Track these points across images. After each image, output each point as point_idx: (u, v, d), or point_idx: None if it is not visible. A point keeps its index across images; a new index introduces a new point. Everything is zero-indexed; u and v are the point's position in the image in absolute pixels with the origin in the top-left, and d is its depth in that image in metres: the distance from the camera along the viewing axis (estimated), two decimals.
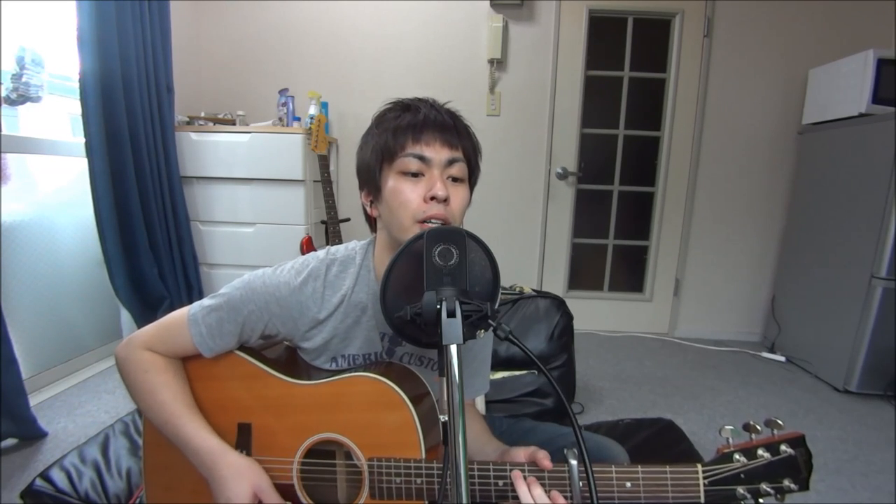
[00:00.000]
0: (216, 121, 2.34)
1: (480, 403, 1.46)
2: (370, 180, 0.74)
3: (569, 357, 1.70)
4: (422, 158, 0.69)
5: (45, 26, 1.92)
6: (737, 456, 0.62)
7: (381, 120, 0.74)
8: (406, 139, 0.69)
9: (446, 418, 0.50)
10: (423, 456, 0.68)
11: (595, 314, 2.82)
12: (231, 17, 2.61)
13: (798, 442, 0.62)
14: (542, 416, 1.56)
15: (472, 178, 0.76)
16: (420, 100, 0.74)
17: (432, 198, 0.68)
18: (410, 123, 0.69)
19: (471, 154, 0.74)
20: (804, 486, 0.61)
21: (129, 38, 1.87)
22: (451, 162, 0.70)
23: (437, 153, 0.69)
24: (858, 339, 2.00)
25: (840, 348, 2.07)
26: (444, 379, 0.51)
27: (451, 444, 0.49)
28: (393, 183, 0.70)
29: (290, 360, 0.81)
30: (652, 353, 2.49)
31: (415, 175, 0.69)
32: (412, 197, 0.69)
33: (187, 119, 2.31)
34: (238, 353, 0.76)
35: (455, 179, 0.72)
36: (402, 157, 0.69)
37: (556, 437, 0.88)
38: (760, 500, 0.62)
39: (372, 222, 0.80)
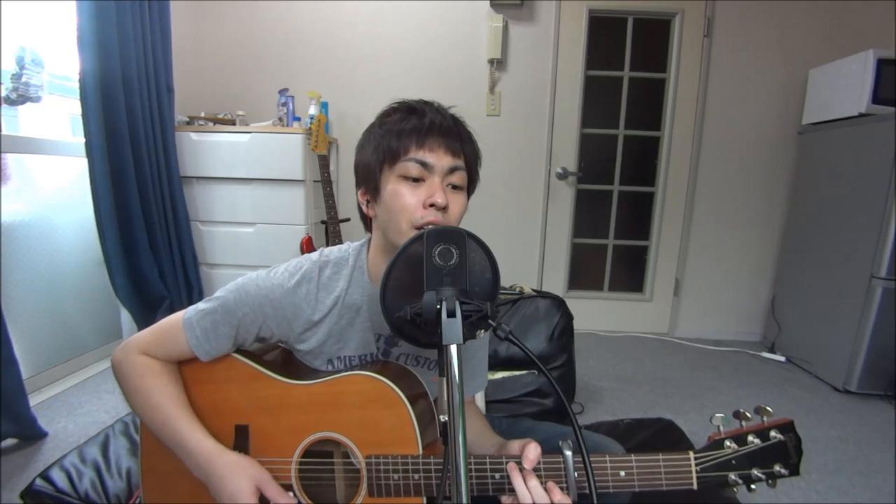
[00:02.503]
0: (216, 121, 2.34)
1: (481, 402, 1.46)
2: (369, 180, 0.74)
3: (569, 357, 1.70)
4: (424, 164, 0.69)
5: (45, 26, 1.92)
6: (728, 443, 0.63)
7: (384, 120, 0.73)
8: (410, 143, 0.69)
9: (445, 418, 0.50)
10: (421, 452, 0.68)
11: (595, 314, 2.82)
12: (231, 17, 2.61)
13: (787, 428, 0.63)
14: (542, 416, 1.56)
15: (471, 186, 0.76)
16: (426, 103, 0.73)
17: (431, 205, 0.68)
18: (415, 127, 0.69)
19: (472, 162, 0.75)
20: (794, 470, 0.62)
21: (129, 38, 1.87)
22: (452, 170, 0.70)
23: (440, 160, 0.69)
24: (858, 339, 2.00)
25: (840, 348, 2.07)
26: (444, 379, 0.51)
27: (450, 444, 0.49)
28: (393, 186, 0.70)
29: (287, 362, 0.81)
30: (652, 353, 2.49)
31: (416, 180, 0.69)
32: (411, 202, 0.69)
33: (187, 119, 2.31)
34: (234, 355, 0.76)
35: (455, 187, 0.72)
36: (405, 160, 0.69)
37: (556, 437, 0.88)
38: (752, 486, 0.63)
39: (367, 221, 0.80)
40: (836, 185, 2.19)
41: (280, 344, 0.85)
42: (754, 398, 1.99)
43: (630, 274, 2.86)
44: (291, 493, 0.72)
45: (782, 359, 2.42)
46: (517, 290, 1.79)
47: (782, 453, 0.62)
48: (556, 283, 2.81)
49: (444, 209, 0.68)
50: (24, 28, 1.80)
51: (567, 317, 1.70)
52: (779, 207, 2.64)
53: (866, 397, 2.00)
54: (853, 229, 2.05)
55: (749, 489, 0.63)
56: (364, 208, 0.78)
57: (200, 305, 0.75)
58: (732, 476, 0.62)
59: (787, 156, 2.59)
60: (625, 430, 1.54)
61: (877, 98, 1.98)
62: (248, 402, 0.74)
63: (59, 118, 2.24)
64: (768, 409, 0.63)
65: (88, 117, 1.75)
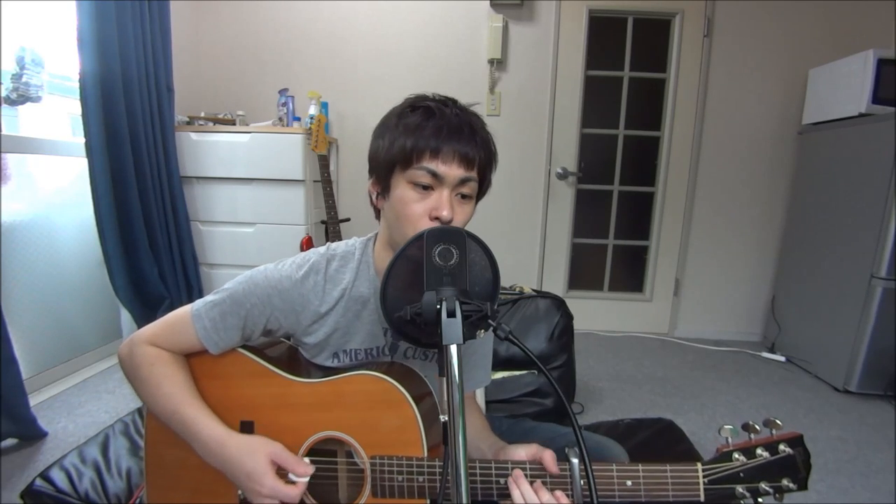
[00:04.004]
0: (216, 121, 2.34)
1: (481, 401, 1.46)
2: (381, 175, 0.73)
3: (569, 357, 1.70)
4: (435, 175, 0.67)
5: (45, 26, 1.92)
6: (736, 455, 0.63)
7: (402, 117, 0.71)
8: (424, 151, 0.67)
9: (446, 418, 0.50)
10: (426, 454, 0.68)
11: (595, 314, 2.82)
12: (231, 17, 2.61)
13: (796, 442, 0.62)
14: (542, 416, 1.56)
15: (481, 191, 0.75)
16: (445, 104, 0.71)
17: (437, 217, 0.67)
18: (432, 133, 0.67)
19: (484, 169, 0.73)
20: (803, 485, 0.62)
21: (129, 38, 1.87)
22: (463, 181, 0.69)
23: (452, 171, 0.68)
24: (858, 339, 1.99)
25: (840, 348, 2.07)
26: (444, 379, 0.51)
27: (450, 444, 0.49)
28: (401, 191, 0.69)
29: (293, 359, 0.82)
30: (652, 353, 2.49)
31: (425, 187, 0.69)
32: (418, 211, 0.68)
33: (187, 119, 2.31)
34: (241, 351, 0.77)
35: (464, 196, 0.71)
36: (416, 168, 0.68)
37: (556, 437, 0.88)
38: (759, 500, 0.63)
39: (377, 210, 0.80)
40: (835, 185, 2.19)
41: (283, 340, 0.86)
42: (754, 398, 1.99)
43: (630, 274, 2.85)
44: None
45: (782, 359, 2.42)
46: (517, 290, 1.79)
47: (791, 467, 0.62)
48: (556, 283, 2.81)
49: (449, 222, 0.68)
50: (24, 28, 1.80)
51: (567, 317, 1.70)
52: (779, 207, 2.64)
53: (866, 397, 2.00)
54: (853, 229, 2.05)
55: (756, 502, 0.63)
56: (373, 198, 0.77)
57: (209, 298, 0.76)
58: (740, 489, 0.62)
59: (786, 156, 2.59)
60: (625, 430, 1.54)
61: (877, 98, 1.98)
62: (254, 398, 0.74)
63: (59, 118, 2.24)
64: (778, 422, 0.62)
65: (88, 117, 1.75)
